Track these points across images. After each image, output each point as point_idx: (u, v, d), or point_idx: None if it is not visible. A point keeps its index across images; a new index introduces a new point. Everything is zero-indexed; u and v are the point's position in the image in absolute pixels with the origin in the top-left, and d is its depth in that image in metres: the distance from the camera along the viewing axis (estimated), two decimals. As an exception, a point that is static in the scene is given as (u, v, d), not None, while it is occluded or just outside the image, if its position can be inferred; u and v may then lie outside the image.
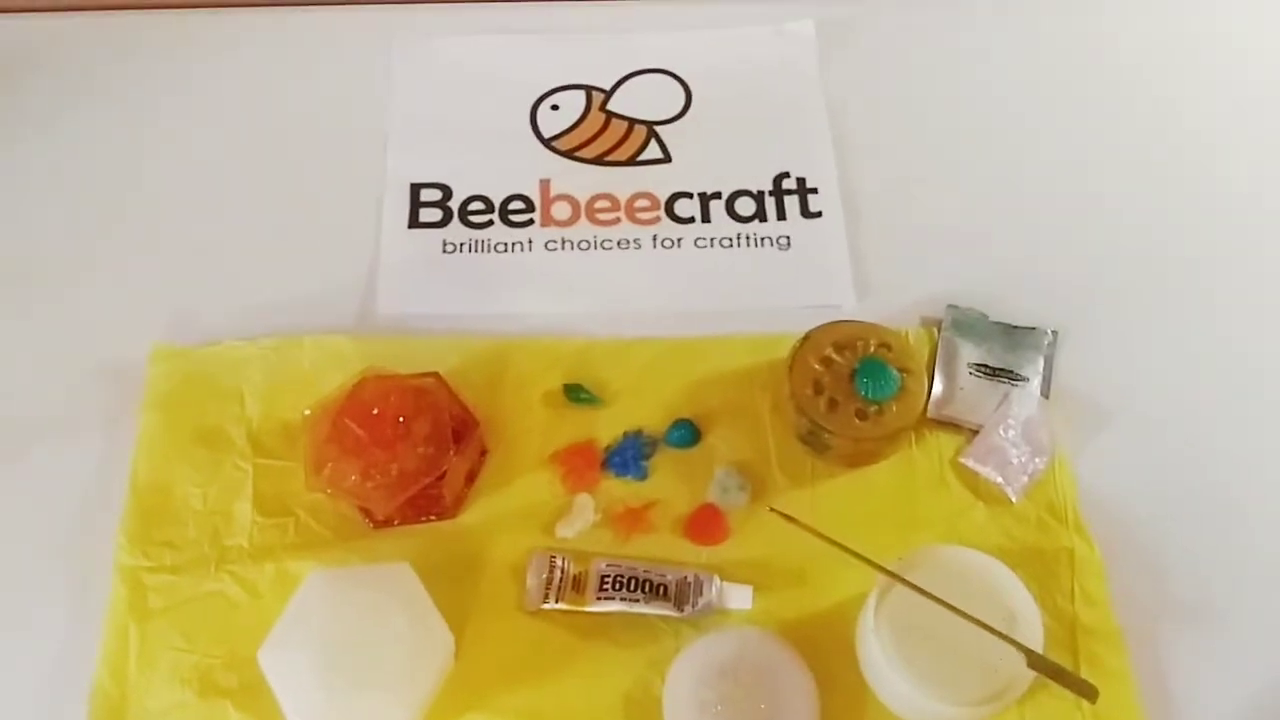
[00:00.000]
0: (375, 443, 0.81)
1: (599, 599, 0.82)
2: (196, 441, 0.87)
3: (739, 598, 0.82)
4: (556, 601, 0.82)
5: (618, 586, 0.82)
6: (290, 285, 0.95)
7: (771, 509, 0.82)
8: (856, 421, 0.86)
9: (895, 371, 0.87)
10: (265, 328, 0.93)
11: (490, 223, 0.98)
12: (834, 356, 0.88)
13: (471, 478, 0.87)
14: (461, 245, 0.97)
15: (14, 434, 0.89)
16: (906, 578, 0.78)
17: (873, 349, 0.88)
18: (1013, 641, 0.75)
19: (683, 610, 0.81)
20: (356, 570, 0.81)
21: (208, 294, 0.94)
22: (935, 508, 0.87)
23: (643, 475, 0.87)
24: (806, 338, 0.89)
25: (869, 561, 0.79)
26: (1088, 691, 0.76)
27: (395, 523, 0.85)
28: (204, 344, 0.91)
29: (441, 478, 0.82)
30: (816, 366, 0.88)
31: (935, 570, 0.79)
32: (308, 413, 0.83)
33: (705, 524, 0.86)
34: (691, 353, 0.92)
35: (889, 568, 0.78)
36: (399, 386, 0.84)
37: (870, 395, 0.86)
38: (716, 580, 0.83)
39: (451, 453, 0.81)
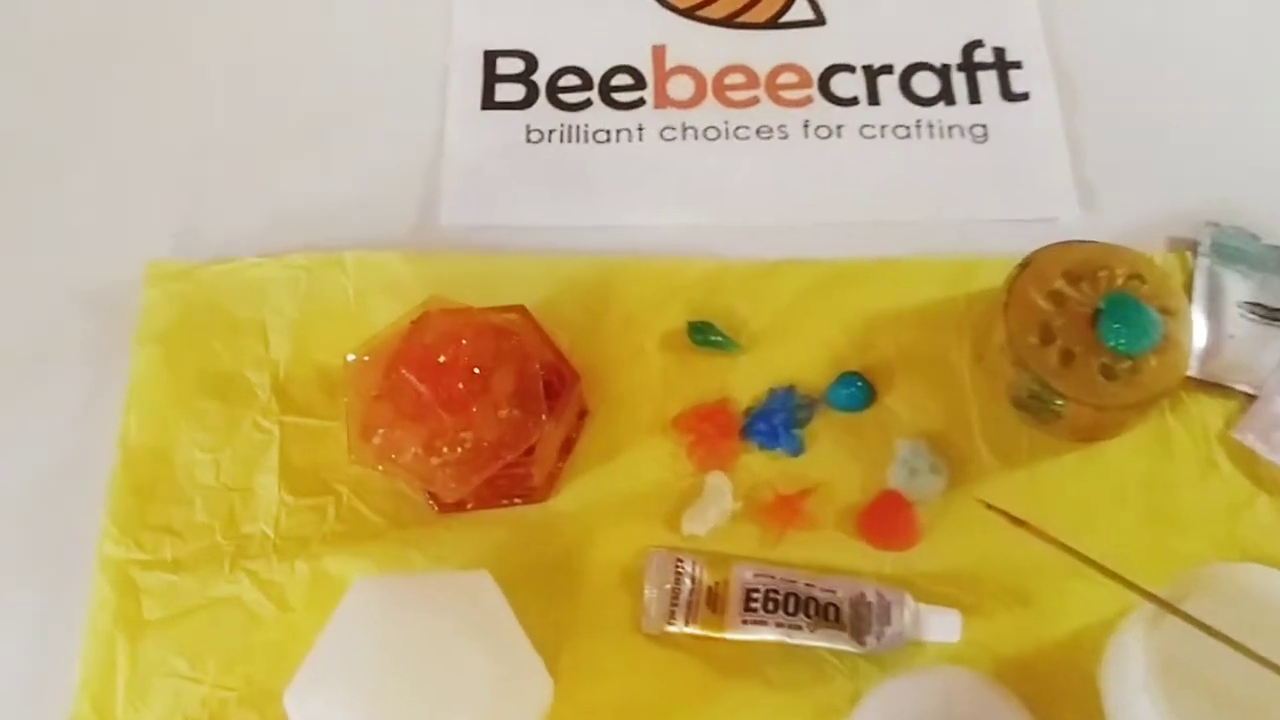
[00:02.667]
0: (443, 403, 0.61)
1: (745, 622, 0.61)
2: (206, 391, 0.69)
3: (942, 626, 0.61)
4: (686, 624, 0.62)
5: (770, 605, 0.61)
6: (328, 186, 0.76)
7: (987, 505, 0.59)
8: (1101, 381, 0.63)
9: (1155, 313, 0.64)
10: (296, 242, 0.73)
11: (587, 103, 0.79)
12: (1067, 290, 0.65)
13: (568, 448, 0.67)
14: (550, 133, 0.78)
15: (-30, 379, 0.71)
16: (1183, 608, 0.55)
17: (1121, 281, 0.65)
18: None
19: (863, 642, 0.61)
20: (419, 580, 0.62)
21: (221, 197, 0.76)
22: (1203, 500, 0.66)
23: (797, 449, 0.66)
24: (1027, 264, 0.66)
25: (1134, 586, 0.56)
26: None
27: (469, 507, 0.66)
28: (215, 260, 0.73)
29: (530, 451, 0.62)
30: (1043, 304, 0.65)
31: (1223, 597, 0.57)
32: (352, 358, 0.64)
33: (887, 519, 0.65)
34: (859, 281, 0.71)
35: (1159, 594, 0.56)
36: (473, 325, 0.63)
37: (1122, 346, 0.63)
38: (909, 600, 0.61)
39: (544, 416, 0.61)
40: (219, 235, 0.73)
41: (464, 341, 0.63)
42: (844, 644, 0.60)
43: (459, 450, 0.61)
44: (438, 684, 0.55)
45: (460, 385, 0.61)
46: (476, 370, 0.62)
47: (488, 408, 0.61)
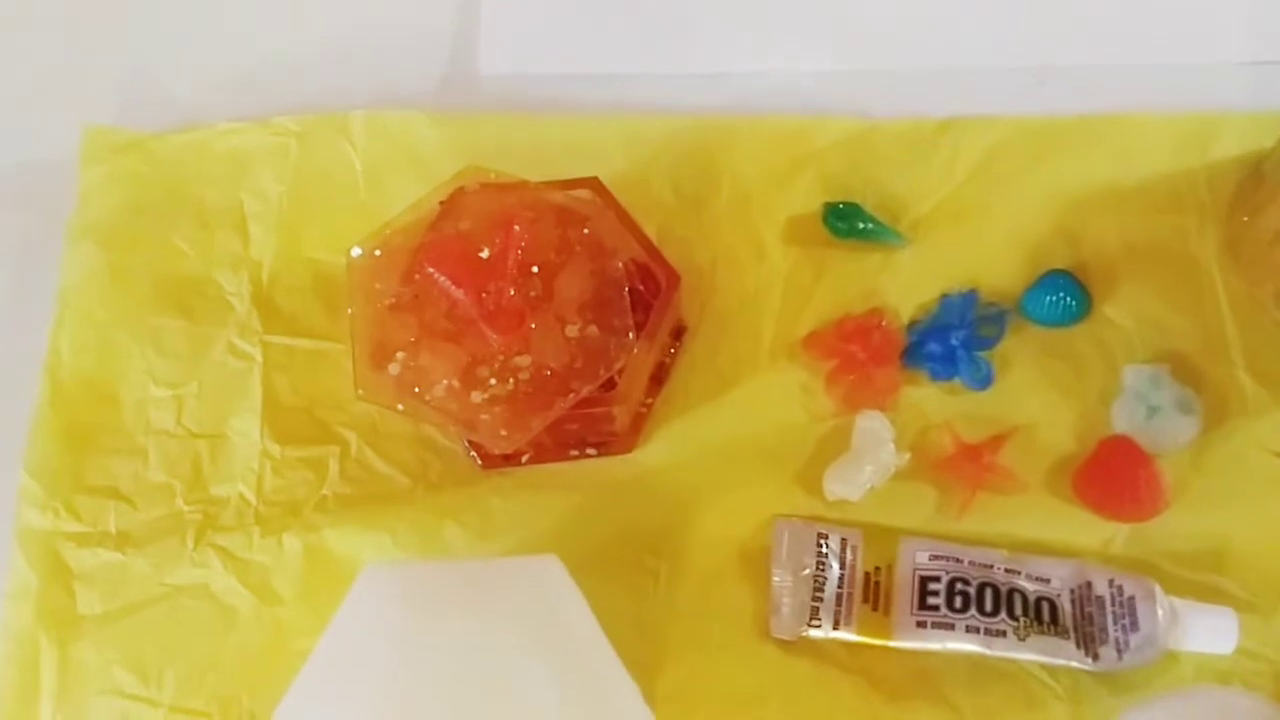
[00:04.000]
0: (487, 316, 0.44)
1: (921, 625, 0.44)
2: (163, 304, 0.52)
3: (1210, 631, 0.43)
4: (834, 627, 0.44)
5: (958, 601, 0.44)
6: (326, 27, 0.58)
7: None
8: None
9: None
10: (284, 101, 0.55)
11: (674, -92, 0.60)
12: (1380, 151, 0.45)
13: (660, 379, 0.49)
14: (624, -49, 0.59)
15: None
16: None
17: None
18: None
19: (1096, 656, 0.43)
20: (457, 567, 0.45)
21: (184, 44, 0.58)
22: None
23: (984, 378, 0.48)
24: None
25: None
26: None
27: (524, 460, 0.49)
28: (177, 128, 0.55)
29: (611, 384, 0.44)
30: (1345, 171, 0.45)
31: None
32: (358, 253, 0.46)
33: (1116, 476, 0.46)
34: (1063, 146, 0.52)
35: None
36: (529, 206, 0.46)
37: None
38: (1160, 594, 0.43)
39: (630, 334, 0.44)
40: (181, 94, 0.57)
41: (516, 228, 0.45)
42: (1069, 658, 0.42)
43: (511, 382, 0.44)
44: (484, 715, 0.38)
45: (512, 291, 0.44)
46: (535, 269, 0.44)
47: (551, 322, 0.44)
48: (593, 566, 0.43)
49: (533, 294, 0.44)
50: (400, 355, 0.44)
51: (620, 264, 0.46)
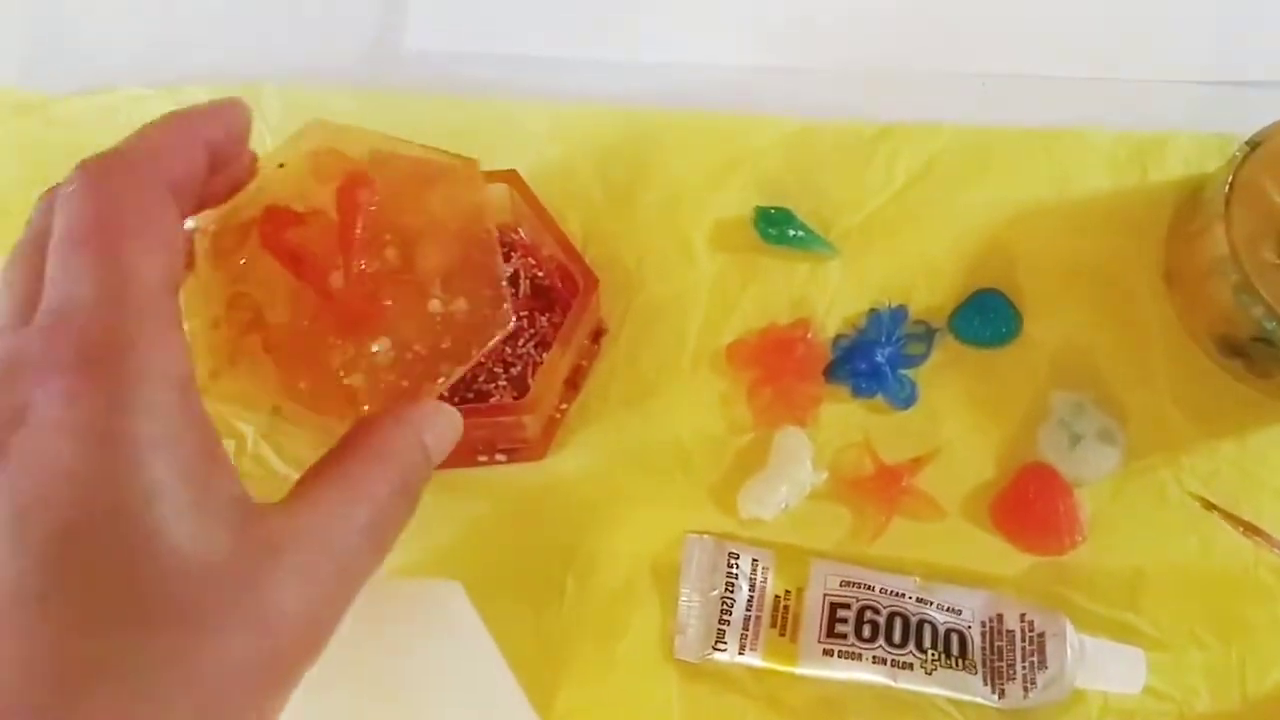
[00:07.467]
0: (337, 296, 0.38)
1: (827, 653, 0.42)
2: None
3: (1117, 671, 0.42)
4: (740, 651, 0.42)
5: (866, 630, 0.42)
6: None
7: (1206, 503, 0.40)
8: (1367, 322, 0.42)
9: None
10: (195, 69, 0.51)
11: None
12: (1322, 185, 0.44)
13: (575, 384, 0.46)
14: (562, -72, 0.54)
15: None
16: None
17: (1401, 173, 0.44)
18: None
19: (1002, 694, 0.41)
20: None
21: (100, 3, 0.53)
22: None
23: (908, 397, 0.46)
24: (1258, 144, 0.45)
25: None
26: None
27: None
28: (82, 92, 0.51)
29: (523, 386, 0.42)
30: (1283, 202, 0.44)
31: None
32: (192, 225, 0.37)
33: (1034, 506, 0.44)
34: (1003, 156, 0.49)
35: None
36: (381, 163, 0.40)
37: None
38: (1071, 631, 0.41)
39: (506, 305, 0.37)
40: (88, 56, 0.52)
41: (364, 192, 0.38)
42: (974, 694, 0.41)
43: (404, 366, 0.37)
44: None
45: (363, 264, 0.37)
46: (388, 237, 0.38)
47: (412, 297, 0.37)
48: (496, 579, 0.42)
49: (387, 267, 0.37)
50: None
51: (534, 258, 0.44)
